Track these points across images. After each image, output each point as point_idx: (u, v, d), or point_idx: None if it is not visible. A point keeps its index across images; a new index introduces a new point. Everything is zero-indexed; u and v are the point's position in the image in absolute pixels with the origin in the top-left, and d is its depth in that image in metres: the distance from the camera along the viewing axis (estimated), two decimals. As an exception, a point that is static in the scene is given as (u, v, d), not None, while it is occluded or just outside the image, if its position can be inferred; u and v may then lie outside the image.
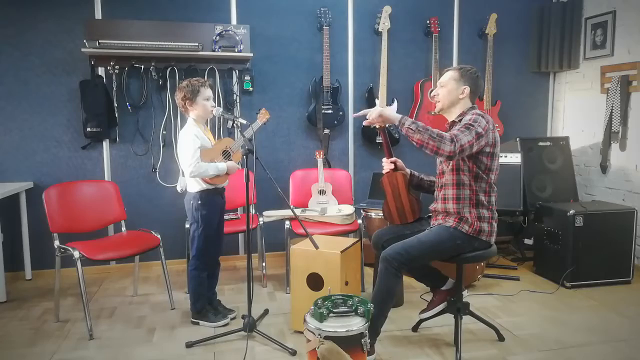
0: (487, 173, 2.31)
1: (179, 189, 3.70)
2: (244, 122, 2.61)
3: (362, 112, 2.43)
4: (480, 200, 2.32)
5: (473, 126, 2.20)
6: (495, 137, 2.30)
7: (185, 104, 2.67)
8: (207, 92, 2.68)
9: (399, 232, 2.51)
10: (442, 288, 2.55)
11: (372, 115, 2.34)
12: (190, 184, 2.71)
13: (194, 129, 2.65)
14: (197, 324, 2.79)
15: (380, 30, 3.98)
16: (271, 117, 2.99)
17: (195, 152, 2.58)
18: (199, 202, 2.67)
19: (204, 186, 2.68)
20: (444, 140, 2.13)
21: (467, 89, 2.36)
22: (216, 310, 2.85)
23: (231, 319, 2.83)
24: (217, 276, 2.92)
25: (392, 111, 2.33)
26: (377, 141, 4.05)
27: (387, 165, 2.58)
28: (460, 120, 2.35)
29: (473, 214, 2.31)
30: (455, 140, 2.14)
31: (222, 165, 2.66)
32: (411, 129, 2.19)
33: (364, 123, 2.47)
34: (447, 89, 2.39)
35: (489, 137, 2.26)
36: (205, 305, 2.81)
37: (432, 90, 2.42)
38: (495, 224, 2.37)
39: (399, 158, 2.60)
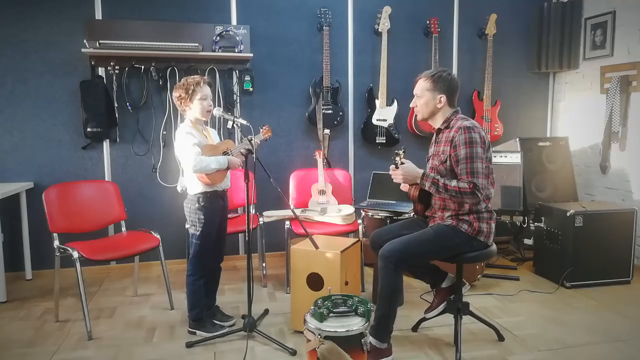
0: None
1: (179, 189, 3.69)
2: (244, 122, 2.59)
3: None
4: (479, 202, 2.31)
5: (476, 156, 2.21)
6: (487, 139, 2.31)
7: (181, 103, 2.57)
8: (203, 90, 2.55)
9: (398, 233, 2.47)
10: (442, 286, 2.55)
11: (396, 177, 2.34)
12: (191, 185, 2.58)
13: (186, 128, 2.56)
14: (194, 333, 2.64)
15: (380, 30, 3.98)
16: (271, 124, 3.04)
17: (193, 147, 2.48)
18: (198, 204, 2.56)
19: (204, 188, 2.56)
20: (465, 195, 2.21)
21: (443, 97, 2.33)
22: (214, 317, 2.74)
23: (229, 327, 2.70)
24: (217, 282, 2.81)
25: (412, 170, 2.31)
26: (376, 141, 4.06)
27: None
28: (446, 127, 2.36)
29: (472, 215, 2.31)
30: (475, 189, 2.19)
31: (223, 159, 2.53)
32: (431, 190, 2.29)
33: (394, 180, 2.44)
34: (423, 100, 2.37)
35: (487, 144, 2.28)
36: (202, 313, 2.67)
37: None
38: (493, 225, 2.37)
39: None
